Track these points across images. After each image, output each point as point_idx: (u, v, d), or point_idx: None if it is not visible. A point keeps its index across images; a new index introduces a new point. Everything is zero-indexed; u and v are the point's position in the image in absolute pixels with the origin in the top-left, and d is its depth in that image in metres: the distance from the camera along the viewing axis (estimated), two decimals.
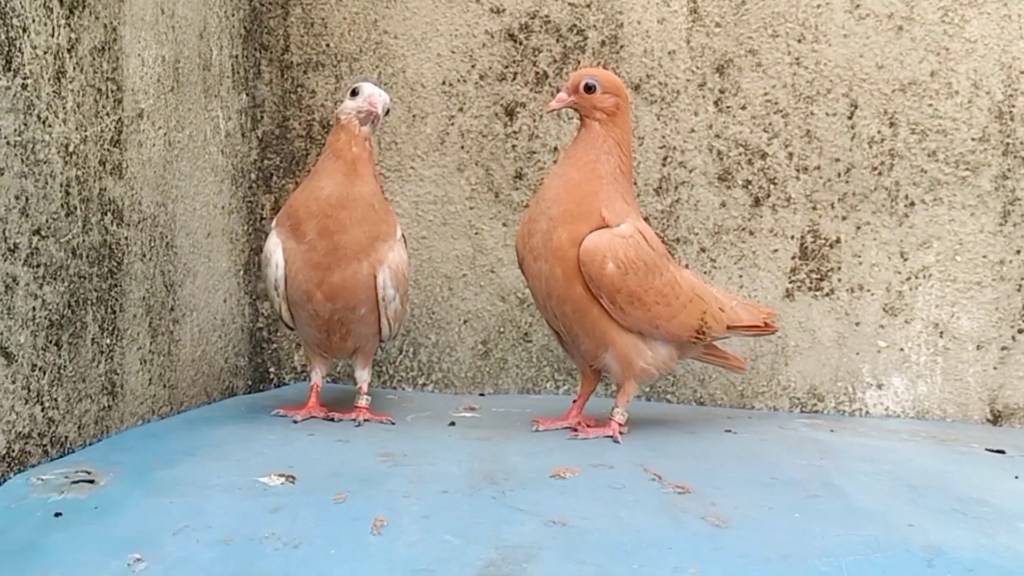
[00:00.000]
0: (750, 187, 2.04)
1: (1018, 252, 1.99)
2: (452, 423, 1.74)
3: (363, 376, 1.77)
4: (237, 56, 2.00)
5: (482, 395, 2.08)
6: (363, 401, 1.74)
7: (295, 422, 1.68)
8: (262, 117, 2.12)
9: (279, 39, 2.12)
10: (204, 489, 1.27)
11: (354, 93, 1.67)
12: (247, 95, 2.05)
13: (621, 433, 1.63)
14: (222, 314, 1.93)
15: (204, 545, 1.11)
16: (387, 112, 1.71)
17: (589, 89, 1.61)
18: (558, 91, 2.00)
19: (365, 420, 1.70)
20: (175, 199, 1.73)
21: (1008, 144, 1.99)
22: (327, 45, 2.12)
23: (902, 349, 2.02)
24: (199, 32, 1.81)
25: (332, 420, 1.70)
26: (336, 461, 1.42)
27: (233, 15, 1.97)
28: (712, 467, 1.48)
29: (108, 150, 1.49)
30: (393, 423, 1.71)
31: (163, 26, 1.67)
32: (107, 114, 1.49)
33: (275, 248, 1.68)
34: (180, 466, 1.37)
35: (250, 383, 2.07)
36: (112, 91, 1.51)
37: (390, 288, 1.68)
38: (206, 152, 1.86)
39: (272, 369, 2.14)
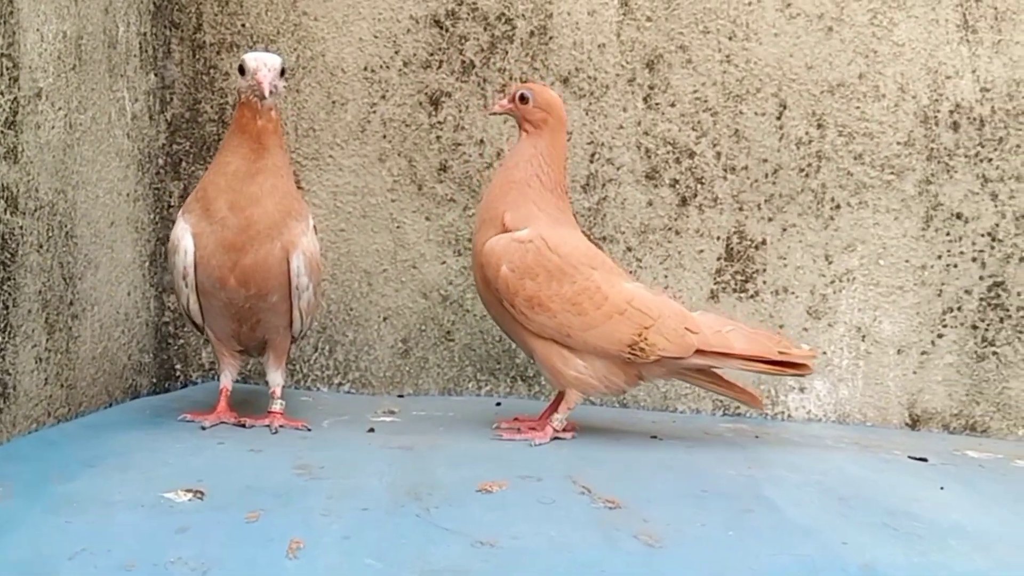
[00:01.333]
0: (677, 186, 2.01)
1: (939, 257, 2.00)
2: (371, 429, 1.67)
3: (276, 379, 1.68)
4: (145, 34, 1.88)
5: (401, 396, 2.01)
6: (277, 406, 1.65)
7: (203, 428, 1.59)
8: (171, 99, 2.00)
9: (191, 17, 2.01)
10: (105, 506, 1.18)
11: (241, 71, 1.57)
12: (156, 75, 1.93)
13: (554, 438, 1.61)
14: (125, 308, 1.82)
15: (103, 571, 1.02)
16: (283, 73, 1.58)
17: (523, 100, 1.67)
18: (485, 80, 2.01)
19: (280, 427, 1.61)
20: (76, 185, 1.61)
21: (932, 149, 1.99)
22: (243, 25, 2.01)
23: (825, 352, 2.01)
24: (104, 7, 1.69)
25: (243, 426, 1.61)
26: (248, 474, 1.34)
27: None
28: (641, 478, 1.44)
29: (2, 132, 1.38)
30: (309, 429, 1.63)
31: None
32: (1, 93, 1.37)
33: (183, 234, 1.58)
34: (79, 479, 1.27)
35: (155, 381, 1.96)
36: (7, 68, 1.39)
37: (304, 276, 1.61)
38: (110, 135, 1.74)
39: (179, 366, 2.04)
